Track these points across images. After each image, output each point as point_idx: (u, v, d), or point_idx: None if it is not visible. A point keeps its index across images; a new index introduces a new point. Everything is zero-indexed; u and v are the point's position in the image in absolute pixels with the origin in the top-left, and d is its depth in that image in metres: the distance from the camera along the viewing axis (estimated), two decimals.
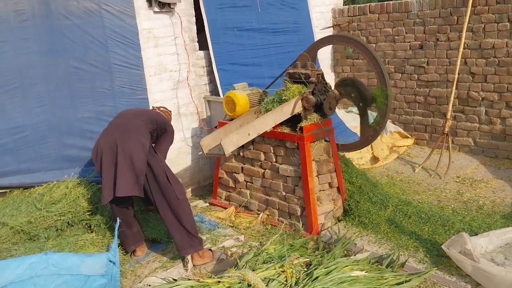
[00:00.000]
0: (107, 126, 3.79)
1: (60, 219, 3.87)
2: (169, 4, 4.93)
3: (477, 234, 3.58)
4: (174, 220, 3.59)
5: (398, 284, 3.10)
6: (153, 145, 3.79)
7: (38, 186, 4.26)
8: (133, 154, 3.46)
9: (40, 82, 4.33)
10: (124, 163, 3.45)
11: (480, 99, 5.60)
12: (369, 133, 4.25)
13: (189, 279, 3.02)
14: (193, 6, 5.30)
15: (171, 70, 5.17)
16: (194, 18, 5.33)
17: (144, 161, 3.49)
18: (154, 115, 4.07)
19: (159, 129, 4.06)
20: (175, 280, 3.11)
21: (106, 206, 4.08)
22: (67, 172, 4.36)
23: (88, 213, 4.00)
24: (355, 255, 3.47)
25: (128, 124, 3.69)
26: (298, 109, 4.06)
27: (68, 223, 3.89)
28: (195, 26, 5.35)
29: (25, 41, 4.24)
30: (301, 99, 4.03)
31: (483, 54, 5.48)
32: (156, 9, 4.88)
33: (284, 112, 4.04)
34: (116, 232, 3.34)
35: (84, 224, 3.96)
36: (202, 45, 5.44)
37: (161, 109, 4.37)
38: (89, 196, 4.10)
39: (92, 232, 3.94)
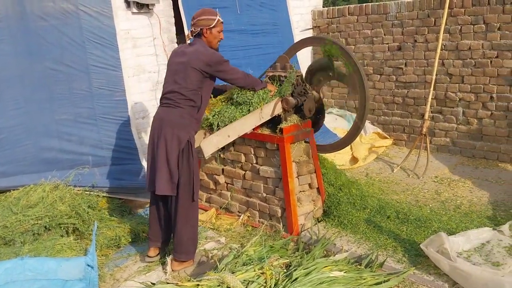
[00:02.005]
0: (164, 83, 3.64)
1: (37, 223, 3.80)
2: (147, 5, 4.91)
3: (455, 234, 3.63)
4: (181, 221, 3.53)
5: (376, 284, 3.12)
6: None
7: (14, 189, 4.19)
8: (168, 150, 3.42)
9: (16, 84, 4.26)
10: (162, 159, 3.43)
11: (458, 99, 5.69)
12: (355, 80, 4.15)
13: (167, 283, 3.00)
14: (172, 7, 5.27)
15: (150, 71, 5.14)
16: (173, 19, 5.30)
17: (176, 159, 3.43)
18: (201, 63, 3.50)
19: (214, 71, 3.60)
20: (154, 284, 3.09)
21: (84, 210, 4.04)
22: (44, 175, 4.29)
23: (66, 216, 3.93)
24: (334, 256, 3.49)
25: (175, 105, 3.50)
26: (278, 110, 4.06)
27: (45, 227, 3.82)
28: (175, 27, 5.33)
29: (0, 42, 4.16)
30: (281, 101, 4.04)
31: (460, 55, 5.57)
32: (134, 10, 4.85)
33: (264, 113, 4.05)
34: (93, 236, 3.31)
35: (61, 228, 3.90)
36: None
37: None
38: (66, 199, 4.04)
39: (69, 236, 3.88)
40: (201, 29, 3.57)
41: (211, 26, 3.58)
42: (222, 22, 3.67)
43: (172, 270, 3.57)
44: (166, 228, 3.73)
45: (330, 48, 4.13)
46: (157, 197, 3.60)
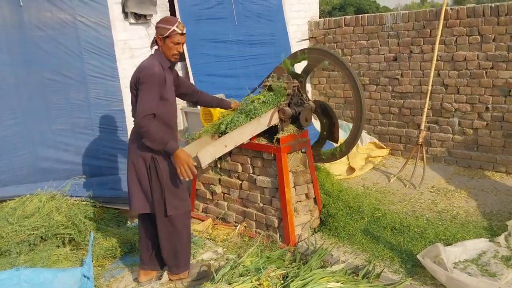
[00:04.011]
0: None
1: (33, 234, 3.78)
2: (145, 16, 4.94)
3: (451, 244, 3.63)
4: (163, 237, 3.44)
5: None
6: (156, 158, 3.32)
7: (10, 199, 4.17)
8: (136, 170, 3.33)
9: (13, 93, 4.26)
10: (133, 178, 3.36)
11: (453, 110, 5.72)
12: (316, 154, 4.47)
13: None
14: None
15: None
16: None
17: (146, 177, 3.33)
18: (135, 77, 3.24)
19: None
20: None
21: (80, 220, 4.02)
22: (40, 185, 4.28)
23: (62, 227, 3.92)
24: (331, 266, 3.48)
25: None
26: (275, 120, 4.08)
27: (41, 237, 3.81)
28: None
29: None
30: (278, 111, 4.05)
31: (455, 66, 5.61)
32: (132, 21, 4.87)
33: (261, 123, 4.06)
34: (90, 246, 3.30)
35: (57, 238, 3.88)
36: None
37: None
38: (63, 209, 4.02)
39: (66, 246, 3.87)
40: (156, 37, 3.30)
41: (164, 36, 3.22)
42: (181, 34, 3.26)
43: (169, 280, 3.54)
44: (156, 250, 3.59)
45: (340, 147, 4.39)
46: (144, 218, 3.53)
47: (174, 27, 3.21)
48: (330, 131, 4.41)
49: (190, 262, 3.66)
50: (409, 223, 4.16)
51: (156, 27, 3.27)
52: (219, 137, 4.12)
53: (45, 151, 4.43)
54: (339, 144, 4.47)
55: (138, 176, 3.35)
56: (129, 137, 3.50)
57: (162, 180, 3.34)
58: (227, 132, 4.05)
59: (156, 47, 3.37)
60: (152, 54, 3.36)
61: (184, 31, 3.28)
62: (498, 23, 5.21)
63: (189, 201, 3.53)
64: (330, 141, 4.50)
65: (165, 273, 3.57)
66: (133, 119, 3.26)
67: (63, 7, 4.41)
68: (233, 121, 4.09)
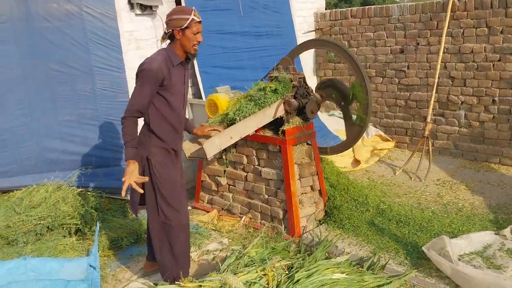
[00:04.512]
0: None
1: (40, 224, 3.81)
2: (151, 7, 4.92)
3: (457, 236, 3.63)
4: (156, 244, 3.28)
5: (378, 286, 3.12)
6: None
7: (17, 190, 4.20)
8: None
9: (20, 84, 4.28)
10: None
11: (460, 102, 5.69)
12: (355, 131, 4.36)
13: (170, 284, 3.01)
14: None
15: None
16: None
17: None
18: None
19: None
20: (156, 284, 3.09)
21: (86, 211, 4.05)
22: (47, 176, 4.30)
23: (69, 217, 3.94)
24: (336, 258, 3.49)
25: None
26: (280, 112, 4.08)
27: (47, 227, 3.83)
28: None
29: (4, 43, 4.19)
30: (283, 103, 4.05)
31: (462, 58, 5.57)
32: (138, 12, 4.86)
33: (266, 115, 4.06)
34: (96, 237, 3.31)
35: (64, 228, 3.91)
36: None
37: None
38: (69, 200, 4.04)
39: (72, 236, 3.89)
40: (172, 30, 3.03)
41: (183, 27, 2.99)
42: (199, 22, 3.04)
43: None
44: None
45: (358, 90, 4.16)
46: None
47: (192, 16, 3.00)
48: (345, 96, 4.32)
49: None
50: (414, 216, 4.17)
51: (170, 19, 3.02)
52: (228, 125, 4.12)
53: (51, 142, 4.45)
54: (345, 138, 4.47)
55: None
56: None
57: (156, 183, 3.16)
58: (236, 119, 4.06)
59: (167, 41, 3.15)
60: (162, 48, 3.16)
61: (201, 19, 3.10)
62: (506, 15, 5.16)
63: (185, 213, 3.29)
64: (356, 101, 4.29)
65: None
66: None
67: None
68: (241, 109, 4.09)
